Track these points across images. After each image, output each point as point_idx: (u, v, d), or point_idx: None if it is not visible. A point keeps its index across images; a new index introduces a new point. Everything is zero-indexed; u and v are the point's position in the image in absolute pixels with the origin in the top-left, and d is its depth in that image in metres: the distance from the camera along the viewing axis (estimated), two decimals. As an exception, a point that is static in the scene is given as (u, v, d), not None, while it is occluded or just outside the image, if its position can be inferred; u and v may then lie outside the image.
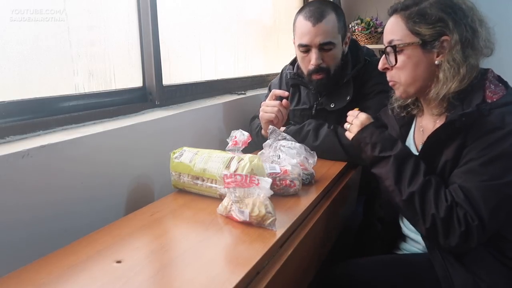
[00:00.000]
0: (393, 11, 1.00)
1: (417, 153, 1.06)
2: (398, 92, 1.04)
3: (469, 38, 0.92)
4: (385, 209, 1.16)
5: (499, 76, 0.99)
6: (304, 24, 1.32)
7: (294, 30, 1.39)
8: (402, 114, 1.11)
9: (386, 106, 1.19)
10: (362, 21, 2.73)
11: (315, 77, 1.37)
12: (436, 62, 0.95)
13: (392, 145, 1.00)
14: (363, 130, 1.06)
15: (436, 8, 0.93)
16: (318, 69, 1.35)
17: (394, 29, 0.99)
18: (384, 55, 1.02)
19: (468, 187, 0.88)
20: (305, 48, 1.34)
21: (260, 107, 1.60)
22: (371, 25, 2.69)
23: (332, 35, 1.32)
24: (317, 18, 1.30)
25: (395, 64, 0.99)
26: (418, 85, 0.99)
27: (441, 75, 0.95)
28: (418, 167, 0.95)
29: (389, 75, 1.03)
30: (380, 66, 1.04)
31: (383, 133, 1.03)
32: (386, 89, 1.10)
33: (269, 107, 1.36)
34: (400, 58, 0.98)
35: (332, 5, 1.37)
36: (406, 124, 1.12)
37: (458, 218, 0.86)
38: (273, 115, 1.35)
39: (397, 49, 0.98)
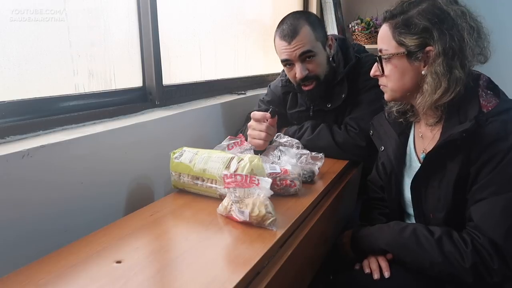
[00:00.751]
0: (383, 19, 1.00)
1: (418, 161, 1.06)
2: (386, 96, 1.05)
3: (455, 48, 0.91)
4: (391, 216, 1.16)
5: (489, 79, 0.99)
6: (280, 43, 1.33)
7: (275, 48, 1.39)
8: (400, 120, 1.10)
9: (379, 114, 1.19)
10: (362, 21, 2.73)
11: (305, 88, 1.37)
12: (422, 72, 0.95)
13: (379, 235, 1.03)
14: (352, 244, 1.10)
15: (422, 17, 0.92)
16: (305, 79, 1.34)
17: (383, 38, 1.00)
18: (377, 62, 1.03)
19: (482, 214, 0.88)
20: (288, 63, 1.35)
21: (258, 104, 1.60)
22: (371, 25, 2.69)
23: (310, 44, 1.31)
24: (290, 36, 1.30)
25: (383, 74, 1.01)
26: (404, 93, 1.01)
27: (424, 87, 0.95)
28: (417, 234, 0.95)
29: (380, 80, 1.05)
30: (371, 72, 1.05)
31: (364, 233, 1.07)
32: (377, 84, 1.10)
33: (255, 132, 1.30)
34: (388, 67, 1.00)
35: (305, 17, 1.35)
36: (404, 132, 1.11)
37: (488, 255, 0.86)
38: (261, 142, 1.29)
39: (383, 59, 1.00)
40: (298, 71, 1.33)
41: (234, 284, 0.63)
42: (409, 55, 0.95)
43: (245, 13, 1.98)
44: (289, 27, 1.31)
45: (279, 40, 1.34)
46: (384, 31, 0.99)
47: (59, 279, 0.65)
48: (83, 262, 0.69)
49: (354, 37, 2.75)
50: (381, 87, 1.06)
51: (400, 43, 0.96)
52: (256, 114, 1.31)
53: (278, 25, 1.36)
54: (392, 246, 0.99)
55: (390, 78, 1.01)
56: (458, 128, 0.90)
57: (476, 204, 0.90)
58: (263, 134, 1.29)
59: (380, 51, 1.01)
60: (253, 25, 2.07)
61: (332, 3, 2.65)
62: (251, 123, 1.32)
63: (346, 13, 2.83)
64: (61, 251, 0.73)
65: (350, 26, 2.75)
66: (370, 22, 2.70)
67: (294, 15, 1.36)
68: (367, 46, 1.59)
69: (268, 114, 1.29)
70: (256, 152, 1.11)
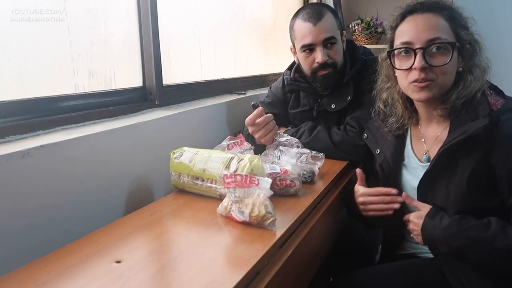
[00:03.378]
0: (427, 8, 0.96)
1: (420, 163, 1.06)
2: (427, 93, 0.95)
3: (482, 48, 0.96)
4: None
5: (488, 81, 1.00)
6: (305, 25, 1.33)
7: (293, 35, 1.40)
8: (399, 132, 1.10)
9: (374, 118, 1.18)
10: (362, 21, 2.73)
11: (321, 72, 1.36)
12: (460, 68, 0.96)
13: (460, 234, 0.90)
14: (425, 233, 0.95)
15: (463, 16, 0.96)
16: (324, 65, 1.35)
17: (440, 27, 0.94)
18: (422, 53, 0.93)
19: None
20: (309, 48, 1.35)
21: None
22: (371, 25, 2.69)
23: (333, 31, 1.34)
24: (316, 18, 1.32)
25: (448, 62, 0.93)
26: (447, 88, 0.97)
27: (469, 77, 0.95)
28: (487, 227, 0.88)
29: (424, 73, 0.94)
30: (419, 65, 0.93)
31: (444, 225, 0.92)
32: None
33: (260, 132, 1.29)
34: (443, 58, 0.93)
35: (326, 6, 1.41)
36: (401, 134, 1.11)
37: None
38: (269, 135, 1.30)
39: (443, 48, 0.93)
40: (320, 55, 1.33)
41: (234, 284, 0.63)
42: (460, 49, 0.96)
43: (245, 13, 1.98)
44: (314, 10, 1.34)
45: (302, 22, 1.34)
46: (437, 20, 0.95)
47: (59, 278, 0.65)
48: (83, 262, 0.69)
49: (354, 37, 2.75)
50: (423, 84, 0.94)
51: (457, 35, 0.95)
52: (248, 120, 1.31)
53: (296, 13, 1.38)
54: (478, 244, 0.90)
55: (444, 71, 0.94)
56: (475, 124, 0.90)
57: None
58: (263, 129, 1.29)
59: (433, 40, 0.93)
60: (253, 25, 2.07)
61: (332, 3, 2.65)
62: (250, 129, 1.33)
63: (346, 13, 2.84)
64: (61, 251, 0.73)
65: (350, 26, 2.75)
66: (370, 22, 2.70)
67: (314, 3, 1.39)
68: (367, 46, 1.59)
69: (254, 111, 1.30)
70: (256, 152, 1.11)
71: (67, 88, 1.05)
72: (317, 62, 1.34)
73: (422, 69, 0.94)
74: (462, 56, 0.97)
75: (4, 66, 0.90)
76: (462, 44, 0.96)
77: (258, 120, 1.29)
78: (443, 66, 0.93)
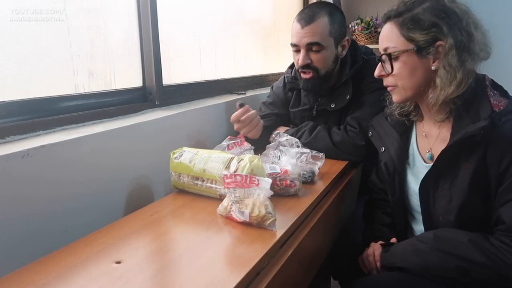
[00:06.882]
0: (387, 19, 1.00)
1: (422, 161, 1.05)
2: (395, 97, 1.04)
3: (464, 42, 0.92)
4: (396, 218, 1.16)
5: (493, 80, 0.99)
6: (295, 26, 1.36)
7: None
8: (402, 119, 1.10)
9: (378, 114, 1.19)
10: (362, 21, 2.72)
11: (303, 75, 1.39)
12: (432, 67, 0.95)
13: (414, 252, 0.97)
14: (385, 258, 1.04)
15: (429, 13, 0.93)
16: (305, 67, 1.36)
17: (390, 36, 0.99)
18: (380, 63, 1.02)
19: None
20: (296, 48, 1.38)
21: (260, 107, 1.61)
22: (371, 25, 2.69)
23: (321, 37, 1.32)
24: (306, 21, 1.32)
25: (392, 72, 0.99)
26: (415, 90, 0.99)
27: (438, 81, 0.95)
28: (458, 240, 0.91)
29: (386, 81, 1.03)
30: (376, 73, 1.04)
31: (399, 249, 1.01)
32: (382, 87, 1.10)
33: (245, 129, 1.35)
34: (396, 65, 0.98)
35: (328, 9, 1.38)
36: (405, 132, 1.11)
37: None
38: (254, 130, 1.36)
39: (392, 57, 0.98)
40: (301, 58, 1.36)
41: (234, 284, 0.63)
42: (419, 50, 0.95)
43: (245, 13, 1.98)
44: (309, 12, 1.34)
45: (295, 22, 1.37)
46: (389, 29, 0.99)
47: (58, 279, 0.65)
48: (83, 263, 0.69)
49: (354, 37, 2.74)
50: (388, 88, 1.04)
51: (410, 39, 0.95)
52: (232, 117, 1.36)
53: (300, 11, 1.40)
54: (427, 258, 0.95)
55: (400, 76, 0.99)
56: (474, 126, 0.90)
57: (505, 205, 0.89)
58: (248, 126, 1.35)
59: (386, 49, 1.00)
60: (253, 25, 2.07)
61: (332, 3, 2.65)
62: (235, 126, 1.37)
63: (346, 13, 2.81)
64: (61, 251, 0.73)
65: (350, 26, 2.75)
66: (370, 22, 2.69)
67: (319, 3, 1.39)
68: (366, 46, 1.59)
69: (240, 109, 1.35)
70: (256, 151, 1.11)
71: (67, 89, 1.05)
72: (299, 64, 1.37)
73: (381, 76, 1.03)
74: (434, 56, 0.95)
75: (4, 66, 0.90)
76: (420, 45, 0.95)
77: (243, 118, 1.33)
78: (399, 72, 0.98)
